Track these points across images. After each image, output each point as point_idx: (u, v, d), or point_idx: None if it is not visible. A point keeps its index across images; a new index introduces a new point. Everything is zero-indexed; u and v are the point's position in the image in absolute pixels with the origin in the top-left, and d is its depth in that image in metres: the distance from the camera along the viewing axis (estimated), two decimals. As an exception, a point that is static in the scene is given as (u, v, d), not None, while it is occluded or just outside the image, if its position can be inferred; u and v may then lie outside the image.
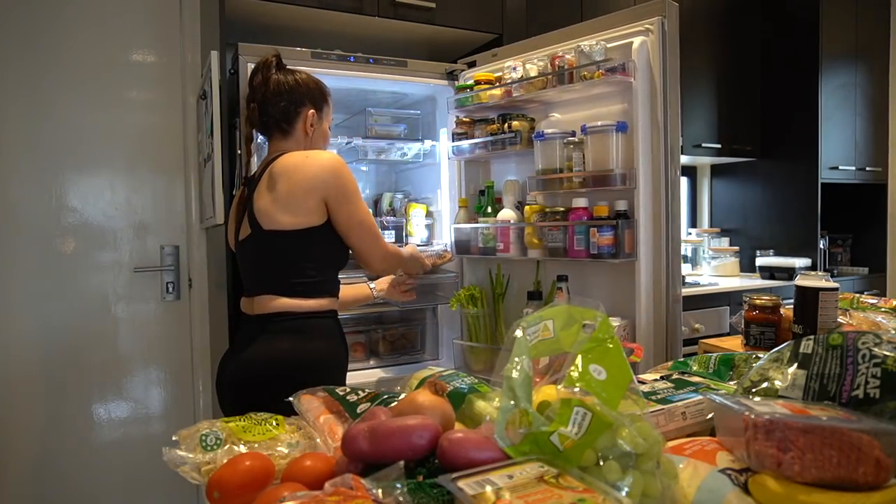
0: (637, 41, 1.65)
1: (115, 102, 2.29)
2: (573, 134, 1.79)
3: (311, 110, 1.51)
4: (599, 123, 1.69)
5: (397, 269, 1.71)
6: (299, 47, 1.96)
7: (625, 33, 1.69)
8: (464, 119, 2.08)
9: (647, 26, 1.65)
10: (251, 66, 1.84)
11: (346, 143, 2.17)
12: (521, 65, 1.90)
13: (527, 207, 1.90)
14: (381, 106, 2.37)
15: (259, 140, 1.92)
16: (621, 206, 1.69)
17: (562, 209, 1.80)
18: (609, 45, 1.70)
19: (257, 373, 1.38)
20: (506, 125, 1.94)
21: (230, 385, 1.43)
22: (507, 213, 1.97)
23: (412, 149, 2.29)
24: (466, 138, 2.07)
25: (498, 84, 1.97)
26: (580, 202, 1.74)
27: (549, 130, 1.81)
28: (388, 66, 2.07)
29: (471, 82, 2.05)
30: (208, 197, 2.01)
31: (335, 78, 2.02)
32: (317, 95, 1.53)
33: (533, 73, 1.85)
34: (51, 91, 2.19)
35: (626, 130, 1.67)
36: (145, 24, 2.33)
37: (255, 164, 1.86)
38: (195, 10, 2.37)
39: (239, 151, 1.85)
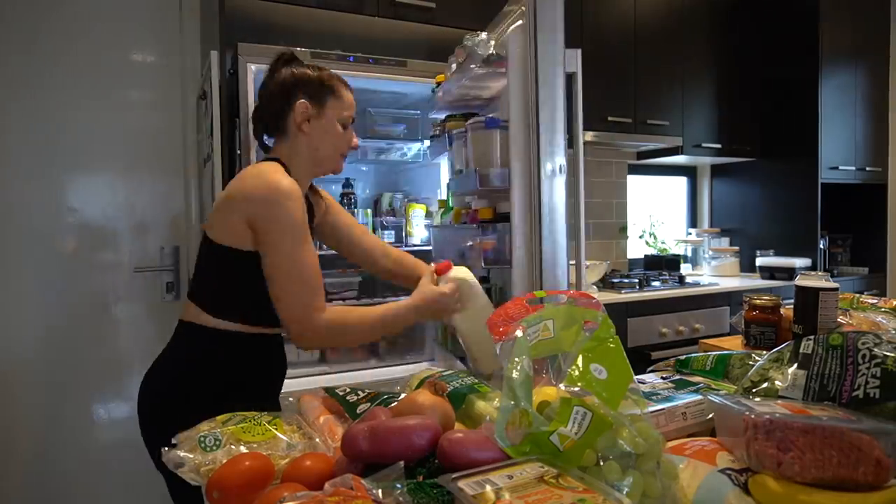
0: (511, 27, 1.47)
1: (115, 102, 2.29)
2: (465, 132, 1.68)
3: (302, 100, 1.29)
4: (474, 120, 1.57)
5: (336, 344, 1.39)
6: (299, 47, 1.95)
7: (509, 21, 1.53)
8: (437, 121, 2.08)
9: (521, 8, 1.45)
10: (251, 66, 1.85)
11: (346, 143, 2.16)
12: (451, 65, 1.84)
13: (455, 209, 1.86)
14: (381, 106, 2.37)
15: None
16: (503, 208, 1.55)
17: (467, 211, 1.74)
18: (501, 38, 1.55)
19: (160, 377, 1.38)
20: (443, 126, 1.91)
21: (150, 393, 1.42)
22: (450, 215, 1.94)
23: (412, 149, 2.29)
24: (438, 138, 2.06)
25: (437, 84, 1.94)
26: (478, 203, 1.65)
27: (456, 130, 1.73)
28: (387, 66, 2.07)
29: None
30: (208, 197, 2.01)
31: (335, 78, 2.02)
32: (315, 85, 1.31)
33: (453, 70, 1.78)
34: (51, 91, 2.19)
35: (497, 126, 1.53)
36: (145, 25, 2.33)
37: (254, 162, 1.86)
38: (195, 10, 2.37)
39: (239, 151, 1.85)
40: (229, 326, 1.25)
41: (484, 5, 2.38)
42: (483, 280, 1.76)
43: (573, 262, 1.55)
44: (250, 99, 1.85)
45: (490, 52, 1.52)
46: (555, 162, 1.46)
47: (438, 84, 1.97)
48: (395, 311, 1.26)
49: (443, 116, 2.02)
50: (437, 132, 2.06)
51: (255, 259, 1.21)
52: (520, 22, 1.45)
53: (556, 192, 1.47)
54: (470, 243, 1.60)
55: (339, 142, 1.34)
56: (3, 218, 2.14)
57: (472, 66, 1.54)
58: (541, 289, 1.46)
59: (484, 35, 1.56)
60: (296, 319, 1.17)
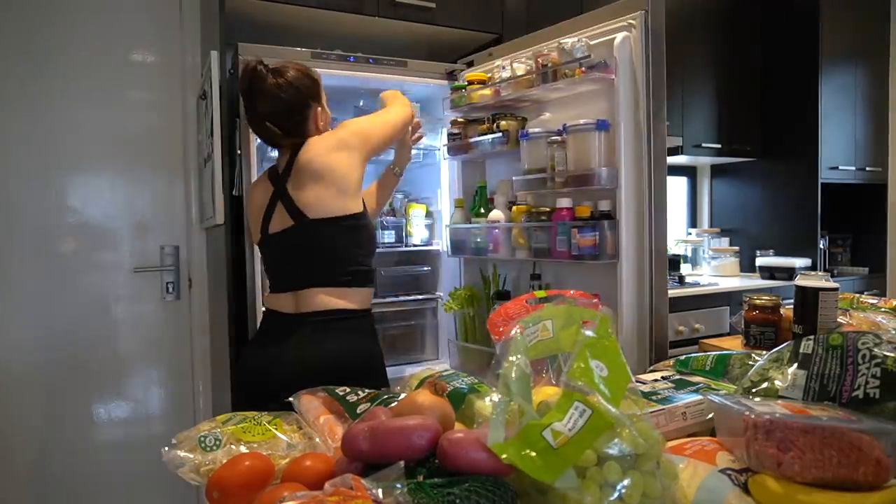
0: (619, 37, 1.57)
1: (115, 102, 2.29)
2: (558, 133, 1.74)
3: (318, 108, 1.50)
4: (580, 122, 1.63)
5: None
6: (299, 47, 1.96)
7: (607, 29, 1.63)
8: (459, 119, 2.08)
9: (629, 21, 1.57)
10: (251, 66, 1.85)
11: (346, 143, 2.16)
12: (509, 64, 1.88)
13: (514, 207, 1.88)
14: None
15: (258, 142, 1.92)
16: (605, 206, 1.64)
17: (547, 209, 1.77)
18: (592, 42, 1.64)
19: (321, 372, 1.33)
20: (494, 125, 1.93)
21: (286, 385, 1.37)
22: (496, 214, 1.95)
23: (412, 149, 2.28)
24: (461, 138, 2.07)
25: (487, 84, 1.96)
26: (564, 202, 1.70)
27: (534, 129, 1.77)
28: (388, 66, 2.07)
29: (462, 83, 2.05)
30: (208, 197, 2.01)
31: (335, 78, 2.02)
32: (313, 90, 1.49)
33: (520, 73, 1.82)
34: (51, 91, 2.19)
35: (607, 129, 1.61)
36: (145, 24, 2.33)
37: (254, 164, 1.86)
38: (195, 10, 2.37)
39: (239, 151, 1.85)
40: (368, 298, 1.49)
41: (484, 5, 2.39)
42: (534, 277, 1.86)
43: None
44: (250, 99, 1.85)
45: (589, 57, 1.63)
46: (661, 165, 1.57)
47: (471, 83, 1.99)
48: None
49: (465, 116, 2.07)
50: (459, 131, 2.06)
51: (366, 215, 1.48)
52: (625, 34, 1.57)
53: (660, 193, 1.58)
54: (568, 239, 1.68)
55: (328, 120, 1.58)
56: (3, 218, 2.14)
57: (578, 70, 1.64)
58: (652, 286, 1.56)
59: (585, 40, 1.65)
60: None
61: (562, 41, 1.68)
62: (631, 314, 1.57)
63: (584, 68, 1.62)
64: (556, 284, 1.84)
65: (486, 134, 1.96)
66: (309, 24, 2.24)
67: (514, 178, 1.87)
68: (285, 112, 1.44)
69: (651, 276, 1.57)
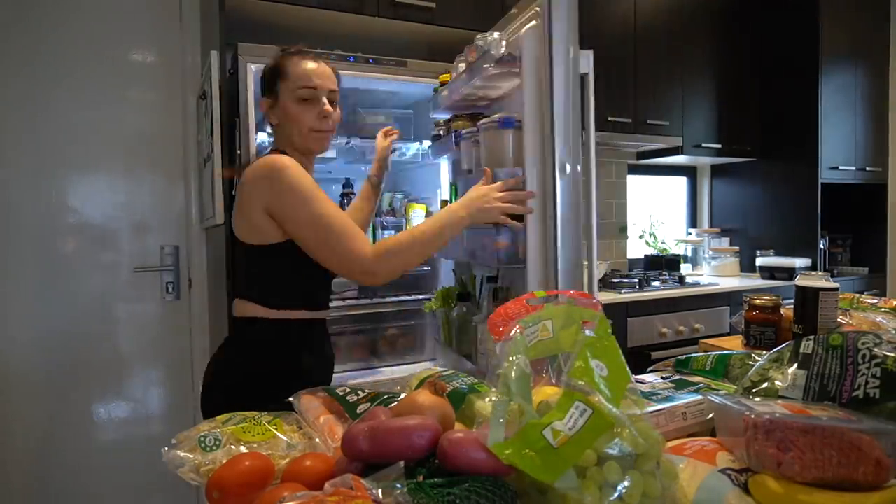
0: (525, 27, 1.48)
1: (115, 102, 2.29)
2: (476, 132, 1.67)
3: (263, 99, 1.37)
4: (487, 120, 1.57)
5: (400, 268, 1.30)
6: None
7: (521, 22, 1.53)
8: (440, 120, 2.08)
9: (535, 9, 1.45)
10: (251, 66, 1.85)
11: (346, 143, 2.17)
12: (462, 63, 1.84)
13: None
14: (379, 105, 2.37)
15: (258, 141, 1.92)
16: None
17: None
18: (512, 38, 1.55)
19: (215, 379, 1.35)
20: (449, 126, 1.91)
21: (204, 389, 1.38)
22: None
23: (411, 148, 2.29)
24: (440, 139, 2.07)
25: (443, 85, 1.94)
26: None
27: (465, 130, 1.73)
28: (387, 66, 2.07)
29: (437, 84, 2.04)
30: (208, 197, 2.01)
31: (335, 78, 2.02)
32: (267, 77, 1.35)
33: (460, 70, 1.78)
34: (51, 91, 2.19)
35: (512, 126, 1.52)
36: (145, 24, 2.33)
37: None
38: (195, 10, 2.37)
39: (239, 151, 1.86)
40: (292, 315, 1.30)
41: (484, 5, 2.38)
42: (491, 280, 1.79)
43: (585, 262, 1.55)
44: (250, 99, 1.85)
45: (502, 52, 1.52)
46: (570, 162, 1.46)
47: (442, 84, 1.97)
48: (446, 212, 1.34)
49: (446, 116, 2.02)
50: (441, 132, 2.06)
51: (289, 247, 1.25)
52: (533, 23, 1.45)
53: (570, 193, 1.47)
54: (482, 242, 1.59)
55: (301, 119, 1.32)
56: (3, 218, 2.14)
57: (484, 66, 1.54)
58: (556, 289, 1.45)
59: (496, 35, 1.55)
60: (347, 269, 1.23)
61: (478, 38, 1.62)
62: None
63: (491, 64, 1.54)
64: (512, 289, 1.74)
65: (440, 136, 1.96)
66: (309, 24, 2.24)
67: (458, 180, 1.83)
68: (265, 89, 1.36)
69: (556, 281, 1.47)
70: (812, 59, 3.13)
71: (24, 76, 2.15)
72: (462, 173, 1.85)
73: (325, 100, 1.33)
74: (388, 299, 2.25)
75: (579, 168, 1.48)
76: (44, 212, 2.19)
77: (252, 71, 1.86)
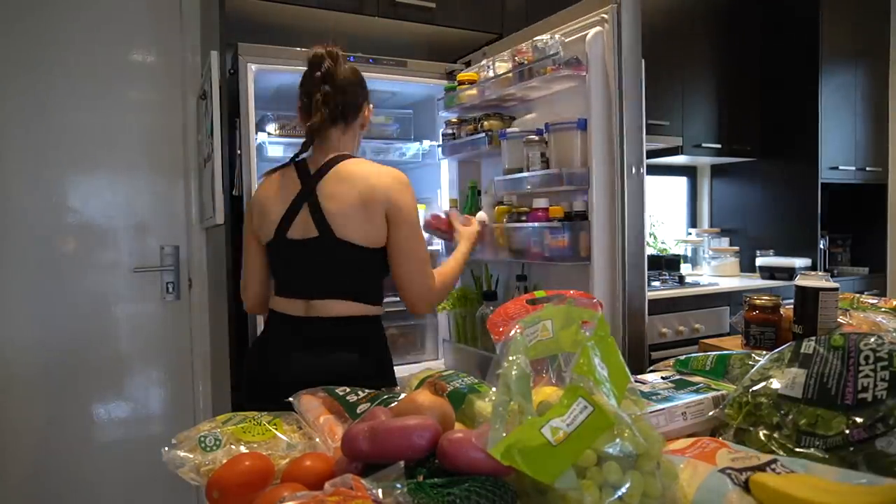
0: (591, 32, 1.53)
1: (115, 102, 2.29)
2: (538, 132, 1.72)
3: (370, 105, 1.54)
4: (560, 121, 1.61)
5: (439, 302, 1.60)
6: (299, 47, 1.96)
7: (581, 26, 1.59)
8: (453, 119, 2.09)
9: (602, 16, 1.53)
10: (251, 66, 1.85)
11: (346, 143, 2.17)
12: (493, 63, 1.87)
13: (496, 208, 1.88)
14: (379, 105, 2.37)
15: (258, 141, 1.92)
16: (579, 206, 1.61)
17: (526, 209, 1.76)
18: (567, 40, 1.60)
19: (333, 379, 1.33)
20: (479, 125, 1.93)
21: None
22: (481, 215, 1.94)
23: (410, 148, 2.29)
24: (453, 138, 2.07)
25: (472, 84, 1.95)
26: (540, 202, 1.68)
27: (512, 129, 1.77)
28: (387, 66, 2.07)
29: (455, 83, 2.04)
30: (208, 197, 2.01)
31: (335, 78, 2.02)
32: (363, 86, 1.51)
33: (500, 72, 1.81)
34: (51, 91, 2.19)
35: (585, 128, 1.57)
36: (145, 24, 2.33)
37: (254, 164, 1.86)
38: (195, 10, 2.37)
39: (239, 151, 1.85)
40: (381, 311, 1.46)
41: (484, 5, 2.39)
42: (521, 278, 1.85)
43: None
44: (250, 99, 1.86)
45: (565, 54, 1.59)
46: (635, 164, 1.54)
47: (461, 83, 1.98)
48: (461, 251, 1.64)
49: (460, 116, 2.05)
50: (453, 131, 2.06)
51: (383, 253, 1.40)
52: (598, 28, 1.53)
53: (635, 193, 1.54)
54: (541, 240, 1.65)
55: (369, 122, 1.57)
56: (3, 218, 2.14)
57: (549, 67, 1.60)
58: (624, 287, 1.53)
59: (558, 37, 1.61)
60: (417, 294, 1.40)
61: (535, 39, 1.65)
62: (604, 316, 1.53)
63: (555, 65, 1.58)
64: (542, 286, 1.82)
65: (473, 134, 1.96)
66: (309, 24, 2.24)
67: (495, 178, 1.85)
68: (349, 97, 1.44)
69: (623, 278, 1.52)
70: (812, 59, 3.13)
71: (24, 76, 2.15)
72: (473, 173, 1.89)
73: None
74: (388, 299, 2.24)
75: (642, 170, 1.56)
76: (44, 212, 2.19)
77: (252, 71, 1.86)
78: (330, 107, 1.41)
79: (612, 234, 1.54)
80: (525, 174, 1.73)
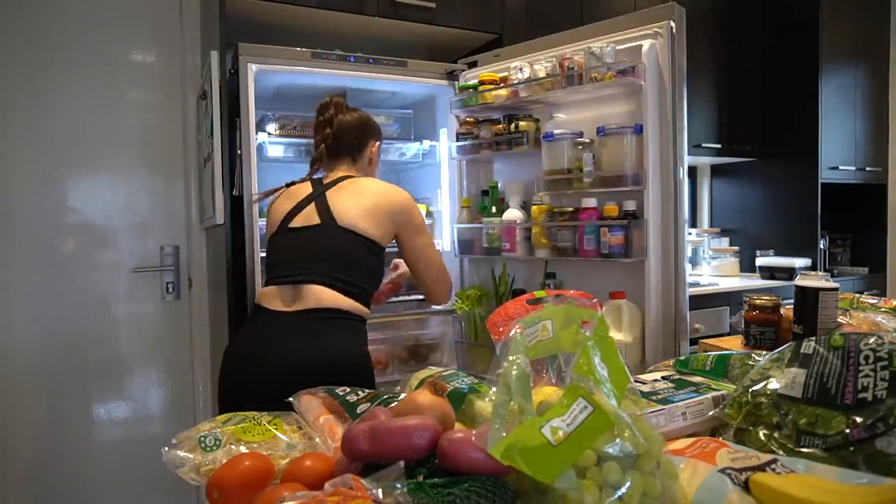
0: (647, 44, 1.67)
1: (115, 102, 2.29)
2: (581, 135, 1.81)
3: (378, 143, 1.72)
4: (615, 125, 1.71)
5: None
6: (299, 47, 1.96)
7: (633, 36, 1.72)
8: (468, 119, 2.08)
9: (655, 29, 1.68)
10: (251, 66, 1.85)
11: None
12: (528, 66, 1.90)
13: (534, 207, 1.90)
14: (379, 105, 2.37)
15: (258, 141, 1.92)
16: (630, 206, 1.70)
17: (570, 209, 1.81)
18: (619, 48, 1.72)
19: (315, 368, 1.31)
20: (512, 125, 1.95)
21: (279, 379, 1.23)
22: (513, 213, 1.96)
23: (410, 148, 2.29)
24: (471, 138, 2.07)
25: (504, 84, 1.97)
26: (590, 202, 1.75)
27: (558, 131, 1.81)
28: (387, 66, 2.07)
29: (473, 82, 2.05)
30: (208, 197, 2.01)
31: (335, 78, 2.02)
32: (377, 131, 1.73)
33: (541, 74, 1.86)
34: (51, 91, 2.19)
35: (641, 133, 1.68)
36: (145, 24, 2.33)
37: (254, 164, 1.86)
38: (195, 10, 2.37)
39: (239, 151, 1.85)
40: (366, 314, 1.51)
41: (484, 5, 2.39)
42: (549, 276, 1.91)
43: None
44: (250, 99, 1.85)
45: (619, 62, 1.70)
46: (683, 167, 1.66)
47: (483, 83, 2.01)
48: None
49: (464, 114, 2.07)
50: (466, 131, 2.07)
51: (383, 252, 1.54)
52: (651, 41, 1.67)
53: (682, 194, 1.66)
54: (596, 238, 1.74)
55: (378, 168, 1.78)
56: (3, 218, 2.14)
57: (608, 74, 1.71)
58: (676, 283, 1.65)
59: (612, 46, 1.72)
60: (443, 295, 1.68)
61: (591, 45, 1.75)
62: (657, 310, 1.66)
63: (615, 72, 1.69)
64: (571, 284, 1.89)
65: (501, 134, 1.98)
66: (309, 24, 2.25)
67: (535, 177, 1.91)
68: (357, 134, 1.66)
69: (676, 273, 1.65)
70: (812, 58, 3.13)
71: (25, 76, 2.15)
72: (523, 173, 2.01)
73: None
74: (388, 299, 2.24)
75: (685, 172, 1.68)
76: (44, 212, 2.19)
77: (252, 71, 1.86)
78: (330, 146, 1.63)
79: (667, 232, 1.66)
80: (574, 175, 1.80)
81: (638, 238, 1.67)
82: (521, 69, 1.92)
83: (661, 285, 1.67)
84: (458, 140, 2.12)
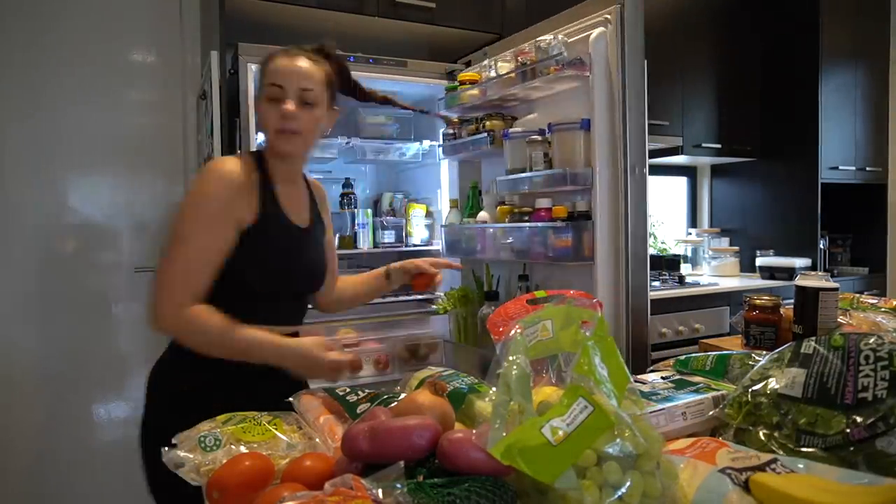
0: (594, 33, 1.53)
1: (115, 103, 2.29)
2: (541, 132, 1.72)
3: (255, 100, 1.31)
4: (563, 121, 1.61)
5: (188, 345, 1.15)
6: (299, 47, 1.95)
7: (584, 26, 1.58)
8: (454, 119, 2.09)
9: (605, 16, 1.53)
10: (251, 66, 1.85)
11: (346, 143, 2.17)
12: (495, 63, 1.87)
13: (499, 208, 1.88)
14: (378, 105, 2.36)
15: (258, 141, 1.92)
16: (582, 206, 1.60)
17: (529, 209, 1.75)
18: (570, 40, 1.60)
19: None
20: (481, 125, 1.93)
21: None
22: (483, 214, 1.95)
23: (410, 149, 2.29)
24: (454, 138, 2.07)
25: (474, 84, 1.96)
26: (543, 202, 1.68)
27: (515, 129, 1.77)
28: (388, 66, 2.07)
29: (457, 83, 2.05)
30: (208, 197, 2.01)
31: (335, 78, 2.02)
32: (262, 70, 1.23)
33: (503, 72, 1.81)
34: (51, 91, 2.19)
35: (588, 128, 1.57)
36: (145, 24, 2.33)
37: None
38: (195, 10, 2.37)
39: (239, 151, 1.86)
40: None
41: (484, 5, 2.39)
42: (522, 278, 1.84)
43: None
44: (250, 99, 1.86)
45: (568, 55, 1.58)
46: (637, 164, 1.53)
47: (462, 83, 1.98)
48: (270, 346, 1.10)
49: (460, 116, 2.05)
50: (454, 131, 2.06)
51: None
52: (601, 29, 1.52)
53: (637, 193, 1.54)
54: (544, 240, 1.64)
55: (266, 118, 1.20)
56: (3, 218, 2.14)
57: (552, 68, 1.59)
58: (628, 287, 1.52)
59: (560, 37, 1.61)
60: (149, 306, 1.10)
61: (538, 39, 1.66)
62: (607, 317, 1.53)
63: (558, 66, 1.58)
64: (544, 286, 1.82)
65: (475, 134, 1.97)
66: (309, 24, 2.24)
67: (497, 178, 1.85)
68: None
69: (627, 278, 1.53)
70: (812, 58, 3.13)
71: (25, 76, 2.15)
72: (473, 173, 1.89)
73: (290, 99, 1.18)
74: (388, 299, 2.24)
75: (645, 170, 1.56)
76: (44, 212, 2.19)
77: (252, 71, 1.86)
78: None
79: (616, 235, 1.54)
80: (528, 174, 1.73)
81: (587, 240, 1.56)
82: (490, 68, 1.88)
83: (612, 292, 1.55)
84: (444, 140, 2.13)
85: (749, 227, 3.49)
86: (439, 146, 2.19)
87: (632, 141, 1.53)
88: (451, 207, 2.15)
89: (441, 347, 2.19)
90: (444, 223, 2.18)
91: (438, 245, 2.31)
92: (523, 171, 1.76)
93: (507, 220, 1.83)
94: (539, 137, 1.71)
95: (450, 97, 2.05)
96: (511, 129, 1.78)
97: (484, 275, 2.04)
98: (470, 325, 2.03)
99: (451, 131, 2.10)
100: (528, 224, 1.73)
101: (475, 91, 1.94)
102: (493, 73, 1.87)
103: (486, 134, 1.90)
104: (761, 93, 3.33)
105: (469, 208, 2.07)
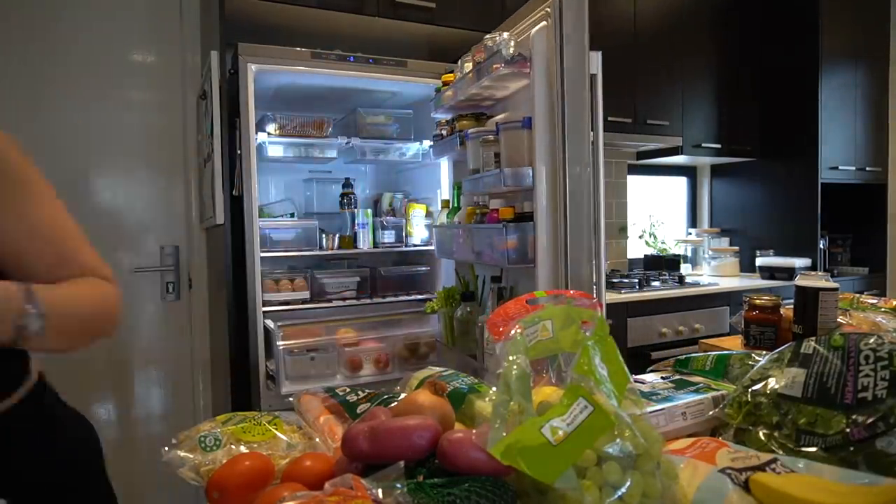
0: (535, 28, 1.48)
1: (115, 102, 2.29)
2: (496, 132, 1.69)
3: None
4: (509, 120, 1.58)
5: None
6: (299, 47, 1.96)
7: (531, 21, 1.53)
8: (443, 120, 2.09)
9: (546, 10, 1.46)
10: (251, 66, 1.85)
11: (346, 143, 2.17)
12: (463, 64, 1.86)
13: (468, 209, 1.85)
14: (379, 105, 2.37)
15: (258, 141, 1.92)
16: (528, 208, 1.56)
17: (487, 210, 1.73)
18: (519, 38, 1.56)
19: None
20: (454, 126, 1.92)
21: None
22: (458, 215, 1.94)
23: (410, 148, 2.29)
24: (441, 139, 2.07)
25: (448, 85, 1.95)
26: (495, 203, 1.66)
27: (473, 129, 1.75)
28: (387, 66, 2.07)
29: (440, 83, 2.04)
30: (208, 197, 2.01)
31: (335, 78, 2.02)
32: None
33: (466, 71, 1.80)
34: (51, 91, 2.19)
35: (531, 127, 1.52)
36: (145, 24, 2.33)
37: (254, 164, 1.87)
38: (195, 10, 2.37)
39: (239, 151, 1.86)
40: None
41: (484, 5, 2.38)
42: (496, 279, 1.79)
43: (593, 260, 1.56)
44: (250, 99, 1.86)
45: (512, 52, 1.53)
46: (580, 162, 1.47)
47: (445, 84, 1.97)
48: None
49: (447, 116, 2.03)
50: (443, 132, 2.06)
51: None
52: (543, 23, 1.46)
53: (579, 192, 1.48)
54: (491, 242, 1.60)
55: None
56: (3, 218, 2.14)
57: (494, 65, 1.55)
58: (567, 287, 1.46)
59: (505, 34, 1.56)
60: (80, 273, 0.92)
61: (486, 37, 1.63)
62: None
63: (501, 63, 1.54)
64: (516, 289, 1.75)
65: (451, 135, 1.97)
66: (309, 24, 2.24)
67: (462, 179, 1.83)
68: None
69: (566, 281, 1.47)
70: (812, 58, 3.13)
71: (24, 76, 2.15)
72: (467, 173, 1.87)
73: None
74: (388, 299, 2.25)
75: (589, 168, 1.50)
76: (44, 212, 2.19)
77: (252, 71, 1.86)
78: None
79: (556, 236, 1.49)
80: (479, 175, 1.70)
81: (532, 243, 1.52)
82: (461, 68, 1.86)
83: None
84: (433, 140, 2.14)
85: (749, 227, 3.49)
86: (430, 146, 2.20)
87: (571, 139, 1.46)
88: (442, 208, 2.14)
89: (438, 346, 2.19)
90: (435, 223, 2.17)
91: (435, 246, 2.31)
92: (476, 171, 1.75)
93: (472, 221, 1.80)
94: (491, 138, 1.68)
95: (437, 98, 2.05)
96: (470, 130, 1.75)
97: (469, 275, 2.03)
98: (455, 324, 2.01)
99: (438, 132, 2.10)
100: (477, 226, 1.70)
101: (450, 92, 1.94)
102: (461, 73, 1.87)
103: (456, 135, 1.89)
104: (761, 93, 3.33)
105: (454, 209, 2.06)
